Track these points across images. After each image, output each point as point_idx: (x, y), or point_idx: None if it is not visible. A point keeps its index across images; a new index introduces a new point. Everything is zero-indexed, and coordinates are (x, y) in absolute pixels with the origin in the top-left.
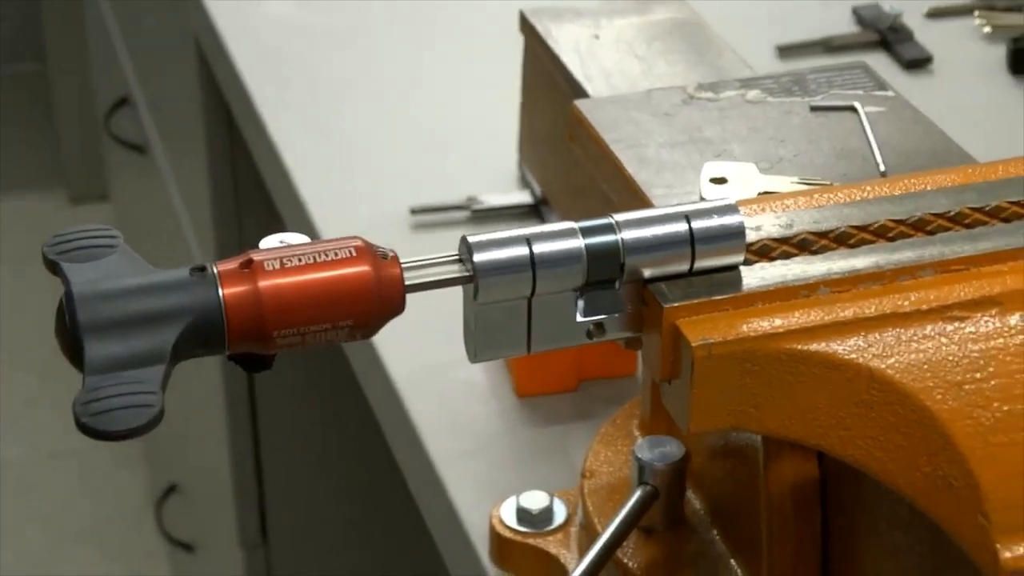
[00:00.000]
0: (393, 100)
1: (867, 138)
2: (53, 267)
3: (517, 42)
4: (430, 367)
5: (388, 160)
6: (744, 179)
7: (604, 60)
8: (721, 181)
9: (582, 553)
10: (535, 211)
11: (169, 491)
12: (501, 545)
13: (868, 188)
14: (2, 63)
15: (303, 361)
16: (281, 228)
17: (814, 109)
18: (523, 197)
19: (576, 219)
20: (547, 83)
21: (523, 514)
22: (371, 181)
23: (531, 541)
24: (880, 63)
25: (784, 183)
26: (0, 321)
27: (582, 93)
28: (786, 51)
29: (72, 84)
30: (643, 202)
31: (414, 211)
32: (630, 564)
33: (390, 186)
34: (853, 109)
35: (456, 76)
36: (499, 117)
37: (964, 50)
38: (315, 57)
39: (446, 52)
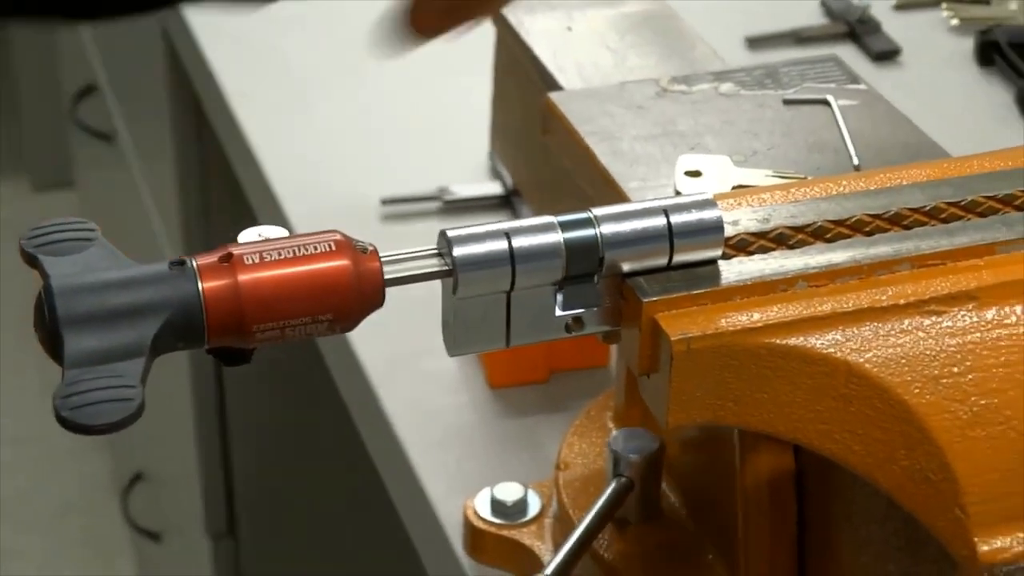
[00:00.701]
0: (364, 89)
1: (840, 131)
2: (31, 260)
3: (489, 32)
4: (402, 357)
5: (359, 150)
6: (719, 172)
7: (577, 52)
8: (696, 174)
9: (556, 545)
10: (506, 202)
11: (135, 479)
12: (475, 536)
13: (844, 182)
14: None
15: (273, 349)
16: (250, 217)
17: (787, 102)
18: (494, 188)
19: (552, 212)
20: (519, 75)
21: (497, 505)
22: (342, 170)
23: (505, 533)
24: (849, 55)
25: (759, 176)
26: None
27: (555, 85)
28: (756, 43)
29: (36, 71)
30: (618, 195)
31: (385, 201)
32: (606, 556)
33: (361, 176)
34: (826, 102)
35: (428, 66)
36: (470, 107)
37: (932, 42)
38: (285, 45)
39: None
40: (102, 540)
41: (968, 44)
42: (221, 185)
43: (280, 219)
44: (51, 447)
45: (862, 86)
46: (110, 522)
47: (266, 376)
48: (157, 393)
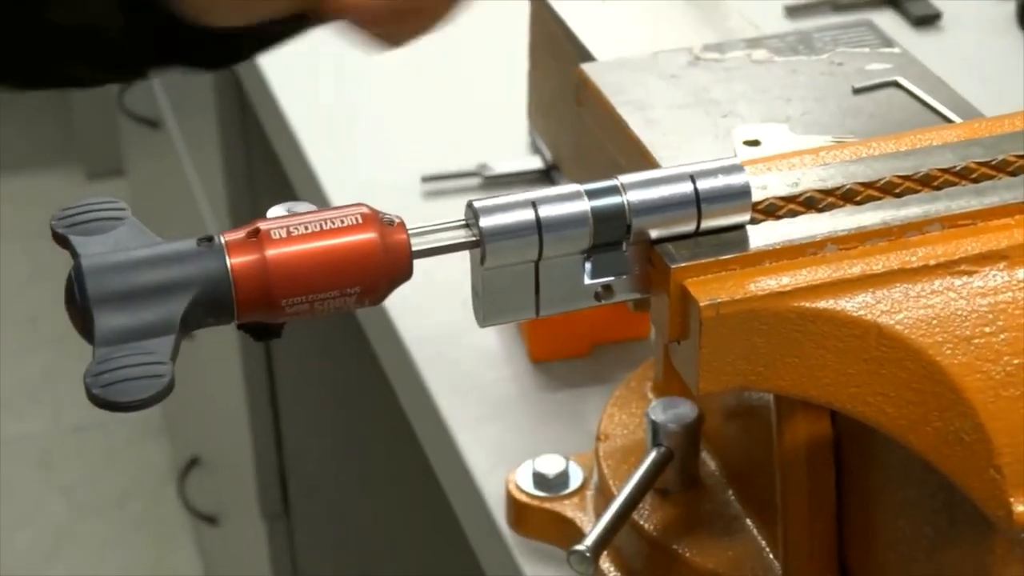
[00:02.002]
0: (404, 68)
1: (925, 103)
2: (62, 240)
3: (526, 7)
4: (443, 333)
5: (399, 128)
6: (777, 140)
7: (610, 23)
8: (755, 143)
9: (598, 516)
10: (546, 176)
11: (191, 464)
12: (518, 509)
13: (874, 145)
14: None
15: (320, 331)
16: (293, 198)
17: (857, 91)
18: (534, 163)
19: (584, 182)
20: (553, 47)
21: (539, 478)
22: (382, 150)
23: (547, 505)
24: (889, 21)
25: (819, 143)
26: (19, 296)
27: (588, 57)
28: (794, 11)
29: None
30: (651, 164)
31: (425, 179)
32: (646, 525)
33: (401, 154)
34: (897, 85)
35: (466, 42)
36: (509, 83)
37: (973, 6)
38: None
39: (456, 18)
40: (160, 525)
41: (1010, 8)
42: (266, 166)
43: (322, 199)
44: (109, 435)
45: (896, 50)
46: (167, 507)
47: (315, 358)
48: (210, 379)
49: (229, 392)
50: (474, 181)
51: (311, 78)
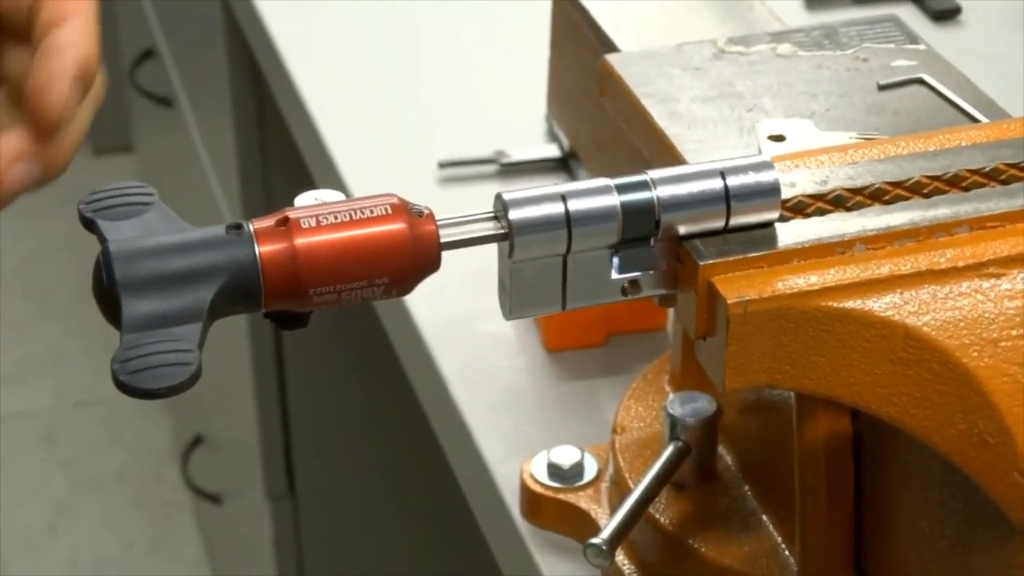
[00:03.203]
0: (422, 52)
1: (950, 100)
2: (89, 224)
3: None
4: (458, 320)
5: (416, 113)
6: (802, 136)
7: (633, 13)
8: (780, 138)
9: (613, 509)
10: (563, 165)
11: (195, 442)
12: (532, 500)
13: (903, 144)
14: None
15: (331, 312)
16: (308, 181)
17: (882, 88)
18: (551, 151)
19: (608, 174)
20: (575, 36)
21: (554, 469)
22: (399, 134)
23: (562, 496)
24: (908, 14)
25: (843, 139)
26: (25, 272)
27: (611, 46)
28: (814, 3)
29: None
30: (674, 157)
31: (442, 165)
32: (662, 520)
33: (418, 139)
34: (922, 82)
35: (485, 28)
36: (528, 70)
37: (992, 1)
38: (342, 8)
39: (476, 4)
40: (162, 503)
41: None
42: (279, 148)
43: (337, 182)
44: (113, 410)
45: (921, 46)
46: (170, 485)
47: (325, 339)
48: (217, 357)
49: (235, 370)
50: (491, 168)
51: (328, 60)
